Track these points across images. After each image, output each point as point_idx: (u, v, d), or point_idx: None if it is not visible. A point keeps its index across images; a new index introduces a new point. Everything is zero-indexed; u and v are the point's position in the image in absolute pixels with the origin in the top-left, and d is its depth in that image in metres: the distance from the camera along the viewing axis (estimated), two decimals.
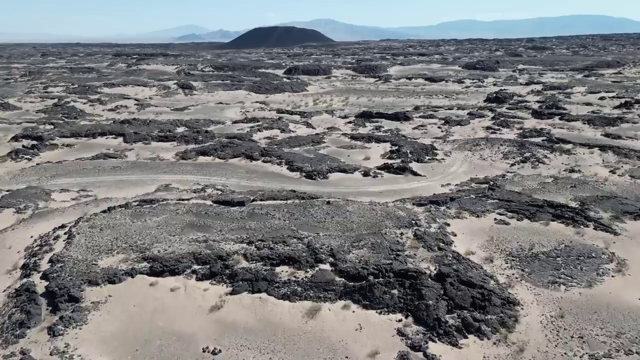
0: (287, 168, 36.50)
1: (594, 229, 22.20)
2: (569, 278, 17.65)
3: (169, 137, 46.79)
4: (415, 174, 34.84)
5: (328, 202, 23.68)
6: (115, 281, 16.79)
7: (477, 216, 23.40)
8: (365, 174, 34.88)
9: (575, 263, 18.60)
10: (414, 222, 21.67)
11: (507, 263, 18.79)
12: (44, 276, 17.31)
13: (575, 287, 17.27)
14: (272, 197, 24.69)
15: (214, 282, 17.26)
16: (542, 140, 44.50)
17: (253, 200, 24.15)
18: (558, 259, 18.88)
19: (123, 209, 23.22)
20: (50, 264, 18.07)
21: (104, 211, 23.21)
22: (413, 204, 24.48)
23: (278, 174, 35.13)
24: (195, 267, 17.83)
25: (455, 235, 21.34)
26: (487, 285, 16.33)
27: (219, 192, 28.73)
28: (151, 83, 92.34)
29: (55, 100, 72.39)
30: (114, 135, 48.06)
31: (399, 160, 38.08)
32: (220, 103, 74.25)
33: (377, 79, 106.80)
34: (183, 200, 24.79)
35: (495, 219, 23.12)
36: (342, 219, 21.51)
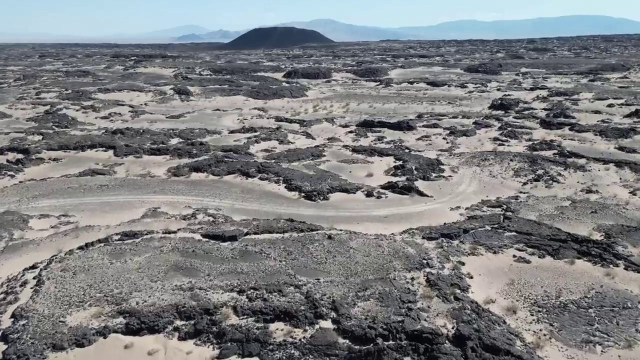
0: (285, 187, 34.27)
1: (624, 268, 20.01)
2: (605, 336, 15.47)
3: (162, 150, 44.56)
4: (421, 194, 32.63)
5: (329, 237, 21.48)
6: (84, 344, 14.57)
7: (494, 252, 21.20)
8: (369, 194, 32.67)
9: (610, 316, 16.42)
10: (425, 261, 19.49)
11: (532, 315, 16.59)
12: (4, 337, 15.10)
13: (613, 347, 15.09)
14: (268, 230, 22.48)
15: (198, 342, 15.05)
16: (554, 154, 42.37)
17: (246, 233, 21.95)
18: (590, 310, 16.69)
19: (102, 245, 21.00)
20: (12, 319, 15.87)
21: (81, 247, 20.98)
22: (423, 238, 22.26)
23: (275, 194, 32.91)
24: (178, 323, 15.63)
25: (472, 277, 19.14)
26: (513, 349, 14.14)
27: (211, 219, 26.51)
28: (147, 88, 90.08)
29: (47, 107, 70.11)
30: (104, 148, 45.83)
31: (403, 178, 35.87)
32: (218, 110, 72.03)
33: (378, 83, 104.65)
34: (169, 233, 22.56)
35: (514, 256, 20.92)
36: (345, 259, 19.31)
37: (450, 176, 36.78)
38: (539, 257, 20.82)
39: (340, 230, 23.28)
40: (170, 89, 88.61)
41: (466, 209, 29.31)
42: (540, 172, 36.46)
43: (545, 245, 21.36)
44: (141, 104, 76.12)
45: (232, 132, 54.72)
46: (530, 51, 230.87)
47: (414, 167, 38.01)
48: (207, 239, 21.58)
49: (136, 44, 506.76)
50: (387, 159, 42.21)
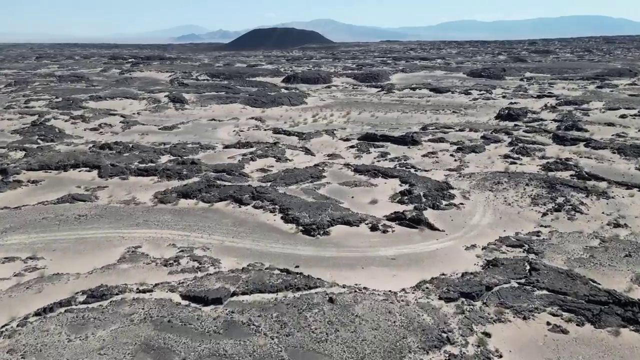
0: (282, 218, 31.14)
1: None
2: None
3: (150, 171, 41.43)
4: (432, 227, 29.49)
5: (331, 300, 18.39)
6: None
7: (524, 318, 18.10)
8: (374, 227, 29.54)
9: None
10: (444, 334, 16.41)
11: None
12: None
13: None
14: (259, 288, 19.37)
15: None
16: (571, 175, 39.38)
17: (233, 293, 18.87)
18: None
19: (63, 311, 17.87)
20: None
21: (39, 313, 17.87)
22: (440, 298, 19.15)
23: (270, 227, 29.79)
24: None
25: (501, 355, 16.04)
26: None
27: (196, 265, 23.41)
28: (141, 95, 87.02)
29: (35, 118, 67.09)
30: (88, 168, 42.67)
31: (411, 207, 32.78)
32: (213, 119, 69.09)
33: (380, 89, 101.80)
34: (144, 292, 19.41)
35: (548, 324, 17.80)
36: (350, 334, 16.20)
37: (461, 204, 33.66)
38: (578, 324, 17.71)
39: (343, 287, 20.14)
40: (165, 96, 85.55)
41: (483, 248, 26.21)
42: (560, 200, 33.36)
43: (584, 309, 18.26)
44: (133, 113, 73.11)
45: (226, 147, 51.69)
46: (532, 53, 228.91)
47: (422, 193, 34.91)
48: (187, 302, 18.47)
49: (136, 44, 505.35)
50: (392, 181, 39.13)
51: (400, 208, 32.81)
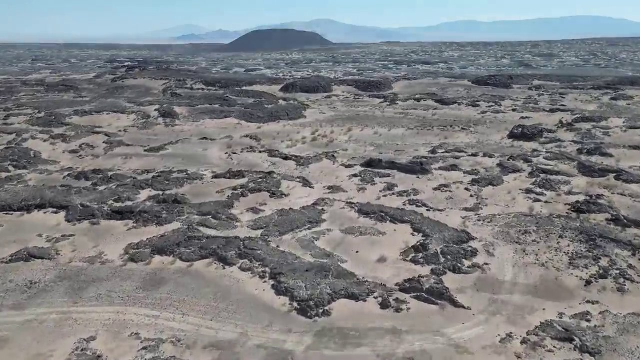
0: (273, 287, 25.90)
1: None
2: None
3: (125, 213, 36.17)
4: (455, 303, 24.28)
5: None
6: None
7: None
8: (384, 303, 24.30)
9: None
10: None
11: None
12: None
13: None
14: None
15: None
16: (607, 220, 34.23)
17: None
18: None
19: None
20: None
21: None
22: None
23: (258, 304, 24.50)
24: None
25: None
26: None
27: None
28: (130, 109, 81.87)
29: (12, 137, 62.04)
30: (55, 209, 37.50)
31: (428, 270, 27.56)
32: (205, 138, 63.93)
33: (383, 99, 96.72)
34: None
35: None
36: None
37: (486, 264, 28.38)
38: None
39: None
40: (155, 110, 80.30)
41: (523, 342, 20.99)
42: (604, 261, 28.09)
43: None
44: (120, 131, 67.95)
45: (216, 176, 46.46)
46: (536, 57, 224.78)
47: (439, 250, 29.70)
48: None
49: (135, 44, 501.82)
50: (403, 227, 33.91)
51: (415, 270, 27.66)
